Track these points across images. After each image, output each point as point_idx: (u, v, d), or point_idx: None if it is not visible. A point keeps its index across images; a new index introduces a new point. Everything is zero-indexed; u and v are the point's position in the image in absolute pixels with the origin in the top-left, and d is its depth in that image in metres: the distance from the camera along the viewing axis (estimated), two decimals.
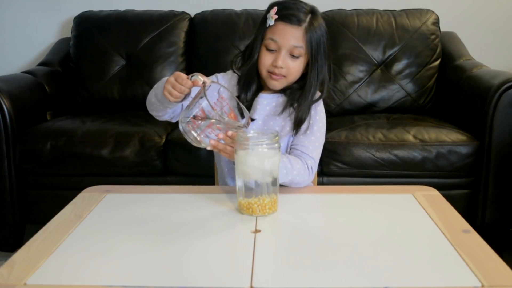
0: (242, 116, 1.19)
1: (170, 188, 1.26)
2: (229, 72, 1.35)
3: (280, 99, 1.31)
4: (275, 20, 1.21)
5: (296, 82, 1.28)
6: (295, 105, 1.28)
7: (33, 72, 2.35)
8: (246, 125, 1.10)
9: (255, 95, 1.30)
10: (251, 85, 1.28)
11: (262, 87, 1.31)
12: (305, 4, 1.24)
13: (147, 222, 1.03)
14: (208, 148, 1.10)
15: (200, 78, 1.09)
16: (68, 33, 2.68)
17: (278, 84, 1.26)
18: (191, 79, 1.10)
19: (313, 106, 1.29)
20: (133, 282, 0.79)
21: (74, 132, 2.05)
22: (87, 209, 1.09)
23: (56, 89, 2.40)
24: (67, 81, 2.51)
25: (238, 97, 1.28)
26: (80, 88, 2.49)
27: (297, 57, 1.23)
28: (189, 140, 1.11)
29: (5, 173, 2.01)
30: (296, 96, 1.28)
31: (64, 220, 1.04)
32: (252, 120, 1.27)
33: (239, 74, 1.32)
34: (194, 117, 1.08)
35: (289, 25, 1.21)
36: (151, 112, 1.28)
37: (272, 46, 1.22)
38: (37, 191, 2.07)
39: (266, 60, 1.24)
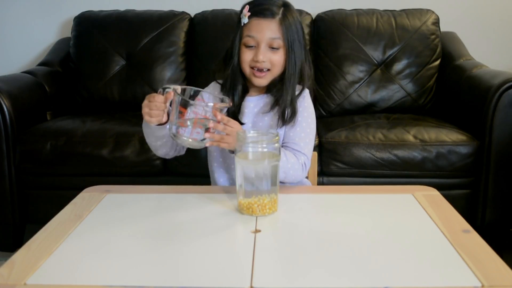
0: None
1: (170, 188, 1.26)
2: (211, 85, 1.38)
3: (267, 99, 1.32)
4: (249, 17, 1.23)
5: (280, 77, 1.28)
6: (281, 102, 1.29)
7: (33, 72, 2.35)
8: (228, 103, 1.12)
9: (242, 99, 1.31)
10: (236, 86, 1.29)
11: (247, 89, 1.32)
12: None
13: (147, 222, 1.03)
14: (207, 144, 1.11)
15: (170, 88, 1.12)
16: (68, 33, 2.68)
17: (263, 80, 1.27)
18: (163, 93, 1.13)
19: (300, 103, 1.29)
20: (133, 282, 0.79)
21: (74, 132, 2.05)
22: (87, 209, 1.09)
23: (56, 89, 2.40)
24: (67, 81, 2.51)
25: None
26: (80, 88, 2.49)
27: (277, 49, 1.24)
28: (189, 146, 1.12)
29: (5, 173, 2.01)
30: (281, 93, 1.28)
31: (64, 220, 1.04)
32: (241, 124, 1.28)
33: (220, 82, 1.34)
34: (180, 122, 1.10)
35: (263, 19, 1.23)
36: (160, 155, 1.32)
37: (251, 42, 1.24)
38: (37, 191, 2.07)
39: (246, 56, 1.25)
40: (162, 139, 1.24)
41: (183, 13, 2.57)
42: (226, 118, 1.12)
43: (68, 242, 0.93)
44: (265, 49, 1.23)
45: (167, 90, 1.12)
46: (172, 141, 1.25)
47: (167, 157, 1.32)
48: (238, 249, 0.90)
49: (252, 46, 1.24)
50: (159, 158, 1.99)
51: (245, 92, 1.31)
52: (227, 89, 1.30)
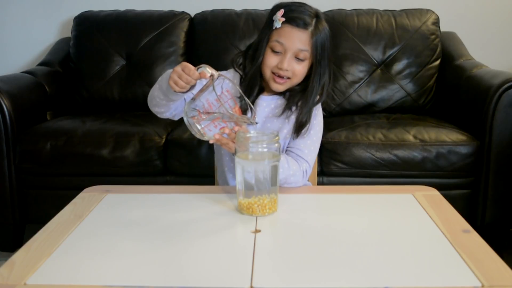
0: (245, 112, 1.19)
1: (170, 188, 1.26)
2: (231, 71, 1.35)
3: (279, 101, 1.31)
4: (282, 22, 1.21)
5: (298, 84, 1.28)
6: (294, 108, 1.28)
7: (33, 72, 2.35)
8: (252, 120, 1.10)
9: (256, 97, 1.30)
10: (254, 86, 1.28)
11: (263, 88, 1.32)
12: (310, 7, 1.24)
13: (147, 222, 1.03)
14: (211, 141, 1.11)
15: (208, 70, 1.08)
16: (68, 33, 2.68)
17: (281, 87, 1.26)
18: (198, 70, 1.09)
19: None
20: (133, 282, 0.79)
21: (74, 132, 2.05)
22: (87, 209, 1.09)
23: (56, 89, 2.40)
24: (67, 81, 2.51)
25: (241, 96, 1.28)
26: (80, 88, 2.49)
27: (302, 60, 1.23)
28: (193, 132, 1.11)
29: (5, 173, 2.01)
30: (296, 99, 1.28)
31: (64, 220, 1.04)
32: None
33: (241, 73, 1.32)
34: (202, 110, 1.08)
35: (296, 28, 1.21)
36: (152, 109, 1.26)
37: (278, 48, 1.22)
38: (37, 191, 2.07)
39: (271, 61, 1.24)
40: (169, 101, 1.20)
41: (183, 13, 2.57)
42: (242, 131, 1.10)
43: (68, 242, 0.93)
44: (291, 58, 1.22)
45: (201, 69, 1.09)
46: (174, 108, 1.23)
47: (160, 115, 1.27)
48: (238, 249, 0.90)
49: (278, 52, 1.23)
50: (159, 158, 1.99)
51: (260, 91, 1.31)
52: (245, 86, 1.28)
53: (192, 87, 1.13)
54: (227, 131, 1.09)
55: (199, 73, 1.09)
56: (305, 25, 1.20)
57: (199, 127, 1.10)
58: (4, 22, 2.79)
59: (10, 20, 2.78)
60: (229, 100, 1.13)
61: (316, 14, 1.23)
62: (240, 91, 1.19)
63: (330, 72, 1.28)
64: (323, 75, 1.25)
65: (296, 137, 1.28)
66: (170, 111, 1.25)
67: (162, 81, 1.19)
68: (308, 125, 1.28)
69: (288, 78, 1.24)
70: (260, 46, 1.25)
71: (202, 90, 1.09)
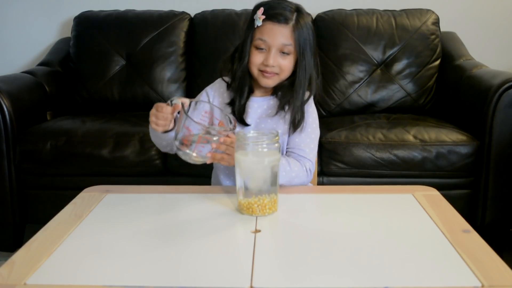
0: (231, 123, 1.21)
1: (170, 188, 1.26)
2: (217, 81, 1.38)
3: (271, 101, 1.32)
4: (263, 20, 1.23)
5: (286, 79, 1.29)
6: (287, 107, 1.29)
7: (33, 72, 2.35)
8: (232, 128, 1.12)
9: (247, 99, 1.31)
10: (244, 86, 1.30)
11: (252, 90, 1.32)
12: (290, 2, 1.26)
13: (147, 222, 1.03)
14: (208, 161, 1.12)
15: (178, 101, 1.13)
16: (68, 33, 2.68)
17: (270, 82, 1.27)
18: (171, 104, 1.14)
19: (305, 108, 1.30)
20: (133, 282, 0.79)
21: (74, 132, 2.05)
22: (87, 209, 1.09)
23: (56, 89, 2.40)
24: (67, 81, 2.51)
25: (233, 100, 1.30)
26: (80, 88, 2.49)
27: (287, 54, 1.25)
28: (191, 161, 1.12)
29: (5, 173, 2.01)
30: (288, 97, 1.29)
31: (64, 220, 1.04)
32: (247, 125, 1.30)
33: (226, 81, 1.34)
34: (184, 137, 1.10)
35: (277, 24, 1.23)
36: (162, 150, 1.31)
37: (262, 45, 1.24)
38: (37, 191, 2.07)
39: (257, 59, 1.25)
40: (168, 141, 1.25)
41: (183, 13, 2.57)
42: (229, 140, 1.12)
43: (68, 242, 0.93)
44: (276, 54, 1.24)
45: (174, 102, 1.14)
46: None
47: (172, 152, 1.31)
48: (238, 249, 0.90)
49: (262, 49, 1.25)
50: (159, 158, 2.00)
51: (250, 92, 1.32)
52: (235, 89, 1.30)
53: (176, 120, 1.15)
54: (214, 145, 1.10)
55: (172, 107, 1.14)
56: (286, 20, 1.22)
57: (190, 153, 1.11)
58: (4, 22, 2.79)
59: (10, 20, 2.78)
60: (211, 119, 1.17)
61: (297, 9, 1.25)
62: (215, 106, 1.23)
63: (316, 65, 1.30)
64: (309, 68, 1.27)
65: (293, 133, 1.29)
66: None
67: (150, 130, 1.24)
68: (303, 122, 1.29)
69: (276, 74, 1.26)
70: (244, 46, 1.27)
71: (179, 121, 1.11)
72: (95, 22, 2.54)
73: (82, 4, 2.68)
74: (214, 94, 1.36)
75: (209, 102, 1.28)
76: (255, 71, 1.27)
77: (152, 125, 1.18)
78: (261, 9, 1.24)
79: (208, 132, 1.10)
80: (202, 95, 1.37)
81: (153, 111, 1.17)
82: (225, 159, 1.13)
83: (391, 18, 2.45)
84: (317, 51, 1.32)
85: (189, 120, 1.07)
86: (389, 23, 2.43)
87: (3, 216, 2.05)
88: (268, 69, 1.24)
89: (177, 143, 1.10)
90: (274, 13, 1.23)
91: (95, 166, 2.00)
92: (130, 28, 2.51)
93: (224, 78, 1.35)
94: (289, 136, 1.30)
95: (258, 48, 1.25)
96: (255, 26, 1.24)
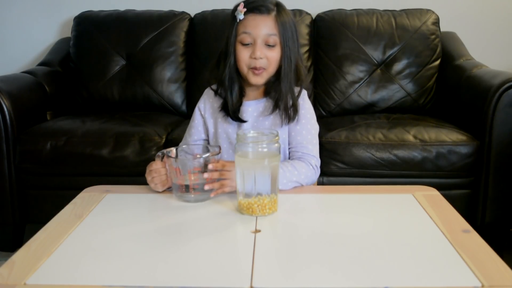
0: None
1: (170, 188, 1.26)
2: (205, 92, 1.38)
3: (266, 103, 1.32)
4: (244, 13, 1.23)
5: (274, 75, 1.29)
6: (280, 103, 1.29)
7: (33, 72, 2.35)
8: (217, 150, 1.15)
9: (239, 101, 1.30)
10: (233, 85, 1.29)
11: (244, 92, 1.32)
12: None
13: (147, 222, 1.03)
14: (212, 195, 1.13)
15: (162, 153, 1.17)
16: (68, 33, 2.68)
17: (260, 78, 1.27)
18: (161, 159, 1.17)
19: (301, 105, 1.30)
20: (133, 282, 0.79)
21: (74, 132, 2.05)
22: (87, 209, 1.09)
23: (56, 89, 2.40)
24: (67, 81, 2.51)
25: (225, 103, 1.30)
26: (80, 88, 2.49)
27: (273, 46, 1.25)
28: (196, 202, 1.13)
29: (5, 173, 2.01)
30: (279, 94, 1.29)
31: (64, 220, 1.04)
32: (243, 121, 1.31)
33: (214, 89, 1.34)
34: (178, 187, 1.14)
35: (259, 15, 1.23)
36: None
37: (247, 39, 1.24)
38: (37, 191, 2.07)
39: (244, 54, 1.25)
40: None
41: (183, 13, 2.57)
42: (221, 164, 1.13)
43: (68, 242, 0.93)
44: (262, 45, 1.24)
45: (159, 157, 1.18)
46: None
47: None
48: (238, 249, 0.90)
49: (248, 44, 1.24)
50: None
51: (241, 95, 1.31)
52: (224, 90, 1.30)
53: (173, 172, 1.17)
54: (206, 175, 1.11)
55: (162, 162, 1.17)
56: (268, 11, 1.23)
57: (189, 195, 1.13)
58: (4, 22, 2.79)
59: (10, 20, 2.78)
60: (198, 154, 1.20)
61: (276, 3, 1.27)
62: (194, 147, 1.28)
63: (300, 56, 1.30)
64: (293, 57, 1.27)
65: (288, 122, 1.28)
66: None
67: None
68: (297, 112, 1.28)
69: (264, 68, 1.25)
70: (229, 44, 1.27)
71: (170, 172, 1.15)
72: (95, 22, 2.54)
73: (82, 4, 2.68)
74: (205, 106, 1.36)
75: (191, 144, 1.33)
76: (244, 68, 1.26)
77: (151, 185, 1.20)
78: (242, 4, 1.25)
79: (193, 164, 1.13)
80: (196, 114, 1.37)
81: (147, 172, 1.20)
82: (226, 184, 1.13)
83: (391, 18, 2.45)
84: (300, 44, 1.32)
85: (171, 165, 1.11)
86: (389, 23, 2.43)
87: (3, 216, 2.05)
88: (256, 62, 1.23)
89: (176, 192, 1.14)
90: (255, 6, 1.24)
91: (95, 166, 2.00)
92: (130, 28, 2.51)
93: (212, 86, 1.35)
94: (284, 125, 1.29)
95: (243, 44, 1.24)
96: (237, 21, 1.24)
